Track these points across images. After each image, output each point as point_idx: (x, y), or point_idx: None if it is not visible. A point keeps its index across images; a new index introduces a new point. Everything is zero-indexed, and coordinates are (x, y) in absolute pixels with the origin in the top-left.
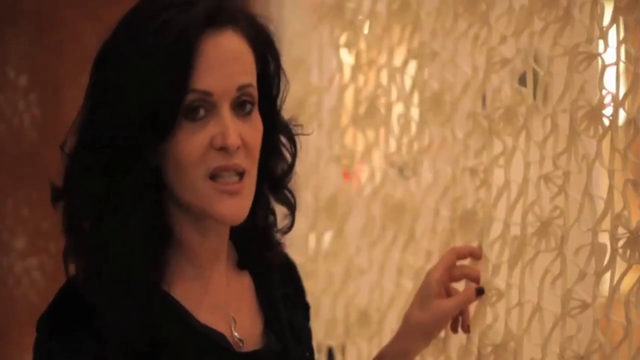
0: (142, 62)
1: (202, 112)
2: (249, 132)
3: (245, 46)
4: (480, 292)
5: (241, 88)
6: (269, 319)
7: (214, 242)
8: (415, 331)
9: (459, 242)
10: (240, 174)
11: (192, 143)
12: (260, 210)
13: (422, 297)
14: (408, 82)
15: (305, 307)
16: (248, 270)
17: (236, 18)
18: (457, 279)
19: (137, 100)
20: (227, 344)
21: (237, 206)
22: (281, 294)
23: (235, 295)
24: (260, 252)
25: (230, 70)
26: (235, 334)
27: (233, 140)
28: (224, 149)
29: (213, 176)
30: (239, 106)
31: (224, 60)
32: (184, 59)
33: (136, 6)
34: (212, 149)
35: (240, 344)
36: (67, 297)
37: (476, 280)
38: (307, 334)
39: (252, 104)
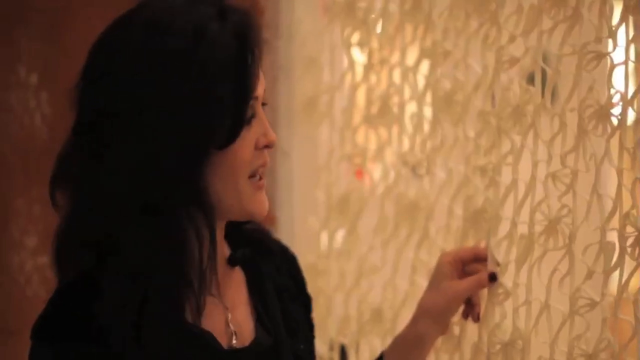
0: (198, 76)
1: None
2: None
3: None
4: (493, 278)
5: (265, 90)
6: (260, 313)
7: (212, 244)
8: (428, 314)
9: (471, 241)
10: None
11: (245, 147)
12: None
13: (435, 279)
14: (421, 81)
15: (306, 300)
16: (240, 265)
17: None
18: (469, 261)
19: (197, 117)
20: (215, 343)
21: (265, 200)
22: (274, 286)
23: (229, 291)
24: (252, 244)
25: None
26: (231, 326)
27: (274, 136)
28: (265, 147)
29: (251, 175)
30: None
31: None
32: (250, 68)
33: (141, 16)
34: (254, 150)
35: (235, 340)
36: (60, 306)
37: (484, 258)
38: (305, 326)
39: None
